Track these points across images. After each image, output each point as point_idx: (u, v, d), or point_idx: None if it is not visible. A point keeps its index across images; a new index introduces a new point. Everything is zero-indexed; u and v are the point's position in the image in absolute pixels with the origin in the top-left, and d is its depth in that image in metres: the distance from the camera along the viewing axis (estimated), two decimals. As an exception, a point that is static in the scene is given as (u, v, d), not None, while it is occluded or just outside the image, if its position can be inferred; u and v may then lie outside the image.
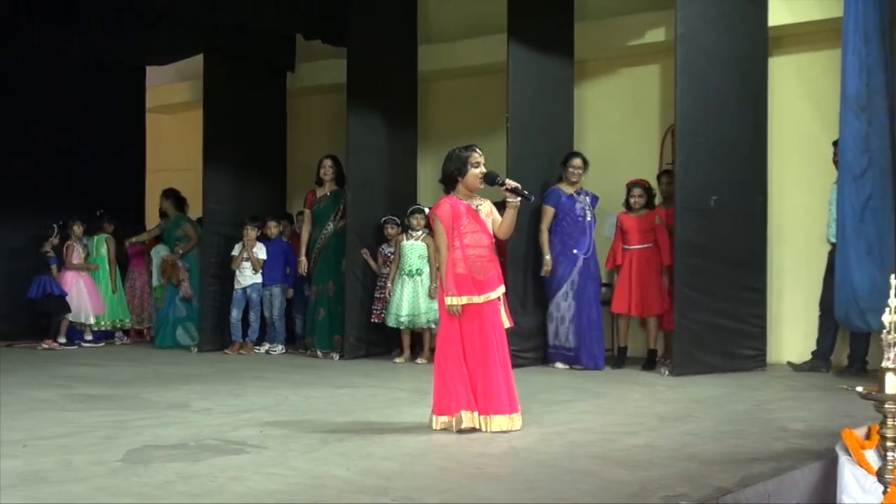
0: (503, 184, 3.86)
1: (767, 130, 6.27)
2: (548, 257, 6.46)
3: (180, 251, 8.05)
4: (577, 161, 6.54)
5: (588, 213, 6.50)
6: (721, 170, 6.07)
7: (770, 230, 6.38)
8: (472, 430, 3.85)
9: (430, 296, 6.81)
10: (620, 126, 7.38)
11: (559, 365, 6.45)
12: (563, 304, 6.47)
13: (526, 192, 3.82)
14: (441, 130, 8.10)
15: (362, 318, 7.24)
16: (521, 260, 6.48)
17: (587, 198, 6.57)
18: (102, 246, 8.16)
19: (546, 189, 6.52)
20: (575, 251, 6.49)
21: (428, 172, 7.86)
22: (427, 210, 6.80)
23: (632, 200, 6.57)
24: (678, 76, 5.83)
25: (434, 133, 8.12)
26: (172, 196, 8.20)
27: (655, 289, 6.45)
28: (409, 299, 6.89)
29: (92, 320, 8.00)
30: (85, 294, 7.91)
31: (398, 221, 7.27)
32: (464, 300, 3.88)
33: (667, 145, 7.12)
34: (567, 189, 6.55)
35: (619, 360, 6.52)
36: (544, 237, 6.48)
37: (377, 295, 7.28)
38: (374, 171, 7.35)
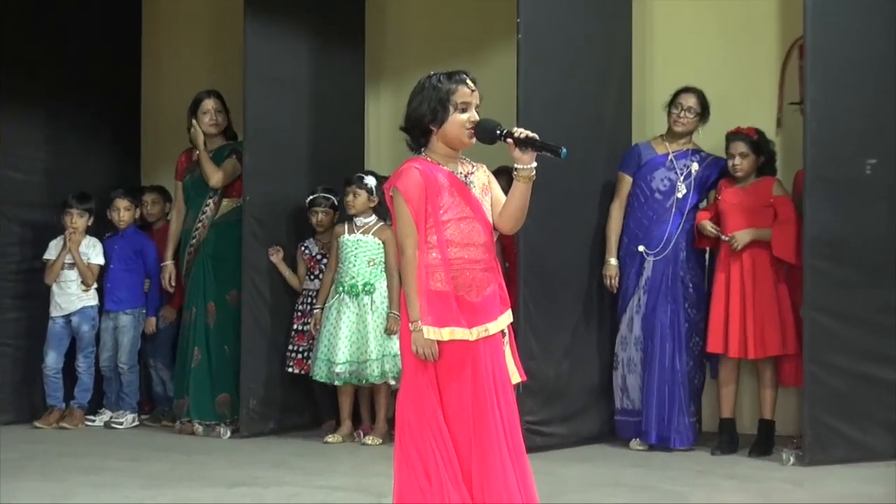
0: (509, 135, 3.89)
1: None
2: (612, 261, 6.79)
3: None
4: (688, 99, 6.81)
5: (680, 186, 6.78)
6: (882, 116, 6.18)
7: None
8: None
9: (388, 329, 6.89)
10: (714, 41, 7.50)
11: (636, 444, 6.72)
12: (629, 338, 6.80)
13: (551, 144, 3.86)
14: (405, 53, 8.22)
15: (270, 365, 7.33)
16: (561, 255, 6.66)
17: (693, 162, 6.82)
18: None
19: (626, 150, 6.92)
20: (640, 248, 6.76)
21: (382, 120, 7.95)
22: (379, 181, 6.91)
23: (732, 162, 6.70)
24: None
25: (393, 57, 8.24)
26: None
27: (773, 312, 6.57)
28: (352, 335, 6.95)
29: None
30: None
31: (333, 201, 7.34)
32: (444, 335, 3.92)
33: (792, 71, 7.26)
34: (659, 146, 6.88)
35: (722, 438, 6.68)
36: (612, 224, 6.83)
37: (297, 327, 7.36)
38: (288, 117, 7.44)
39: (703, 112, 6.83)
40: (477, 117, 3.94)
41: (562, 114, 6.53)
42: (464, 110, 3.94)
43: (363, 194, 6.98)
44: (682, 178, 6.78)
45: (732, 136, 6.72)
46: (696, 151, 6.86)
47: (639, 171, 6.84)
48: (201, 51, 8.94)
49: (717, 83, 7.19)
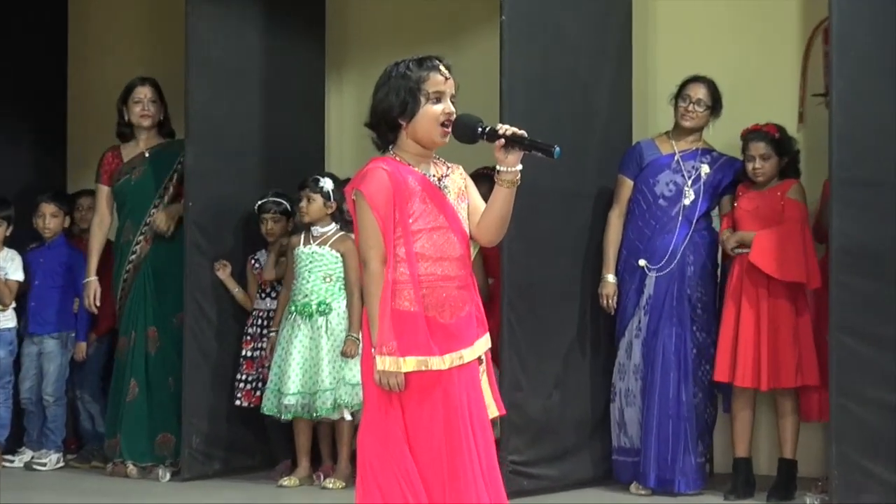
0: (493, 133, 3.92)
1: None
2: (609, 277, 6.81)
3: None
4: (697, 90, 6.80)
5: (688, 191, 6.78)
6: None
7: None
8: None
9: (346, 353, 6.89)
10: (726, 23, 7.52)
11: (636, 488, 6.72)
12: (627, 366, 6.80)
13: (541, 142, 3.89)
14: (372, 39, 8.28)
15: (216, 398, 7.33)
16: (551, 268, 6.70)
17: (703, 163, 6.82)
18: None
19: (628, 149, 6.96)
20: (641, 262, 6.76)
21: (346, 114, 8.04)
22: (339, 185, 6.92)
23: (752, 165, 6.68)
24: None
25: (358, 43, 8.33)
26: None
27: (791, 335, 6.58)
28: (304, 362, 6.96)
29: None
30: None
31: (286, 206, 7.34)
32: (411, 363, 3.94)
33: (815, 58, 7.28)
34: (664, 144, 6.88)
35: (736, 481, 6.67)
36: (610, 235, 6.85)
37: (246, 353, 7.38)
38: (237, 111, 7.43)
39: (715, 105, 6.80)
40: (452, 109, 3.98)
41: (550, 105, 6.57)
42: (437, 100, 3.97)
43: (318, 199, 6.95)
44: (689, 182, 6.77)
45: (751, 135, 6.69)
46: (707, 151, 6.85)
47: (641, 174, 6.84)
48: (136, 35, 8.93)
49: (731, 71, 7.16)
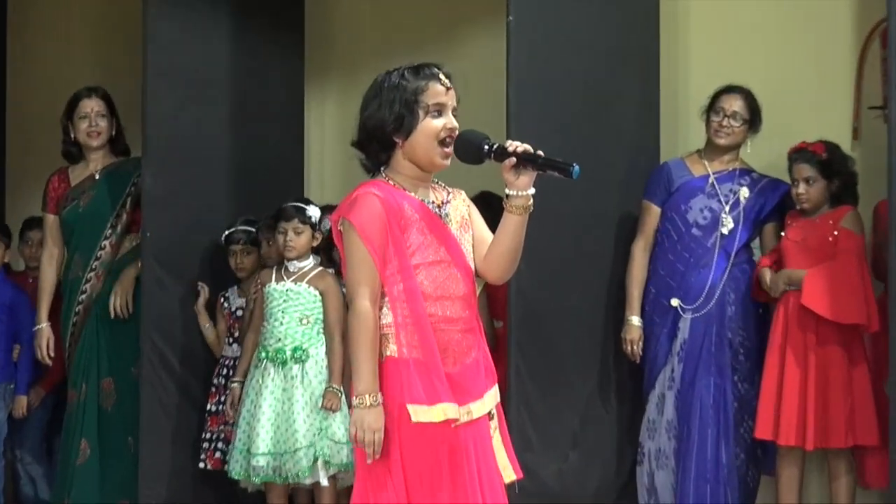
0: (501, 152, 3.94)
1: None
2: (634, 320, 6.78)
3: None
4: (733, 102, 6.76)
5: (726, 219, 6.74)
6: None
7: None
8: None
9: (326, 406, 6.81)
10: (769, 26, 7.49)
11: None
12: (659, 423, 6.75)
13: (558, 160, 3.91)
14: (358, 44, 8.40)
15: (178, 460, 7.26)
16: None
17: (742, 186, 6.77)
18: None
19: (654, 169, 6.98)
20: (674, 302, 6.74)
21: (328, 131, 8.15)
22: (321, 213, 7.00)
23: (796, 191, 6.64)
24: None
25: (343, 50, 8.43)
26: None
27: (843, 387, 6.55)
28: (276, 417, 6.87)
29: None
30: None
31: (255, 236, 7.30)
32: (434, 414, 3.97)
33: (872, 65, 7.25)
34: (696, 165, 6.86)
35: None
36: (635, 270, 6.83)
37: (211, 408, 7.31)
38: (203, 126, 7.40)
39: (753, 118, 6.76)
40: (455, 123, 4.01)
41: (564, 118, 6.55)
42: (438, 114, 4.01)
43: (307, 231, 6.90)
44: (727, 208, 6.75)
45: (796, 156, 6.64)
46: (746, 172, 6.80)
47: (670, 199, 6.80)
48: (85, 39, 9.02)
49: (774, 81, 7.15)
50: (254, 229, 7.27)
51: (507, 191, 3.96)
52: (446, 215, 4.08)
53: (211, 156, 7.47)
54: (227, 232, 7.27)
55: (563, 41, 6.64)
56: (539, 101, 6.49)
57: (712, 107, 6.76)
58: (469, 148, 3.97)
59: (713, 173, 6.78)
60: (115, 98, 7.53)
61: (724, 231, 6.71)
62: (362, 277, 3.95)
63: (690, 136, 7.16)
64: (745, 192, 6.74)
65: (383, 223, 3.96)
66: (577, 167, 3.85)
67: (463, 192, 4.20)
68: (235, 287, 7.32)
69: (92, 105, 7.41)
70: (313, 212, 6.93)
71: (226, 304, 7.31)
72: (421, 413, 3.94)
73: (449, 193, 4.15)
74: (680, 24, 7.48)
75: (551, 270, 6.49)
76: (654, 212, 6.82)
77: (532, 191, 3.92)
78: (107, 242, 7.42)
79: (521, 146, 3.91)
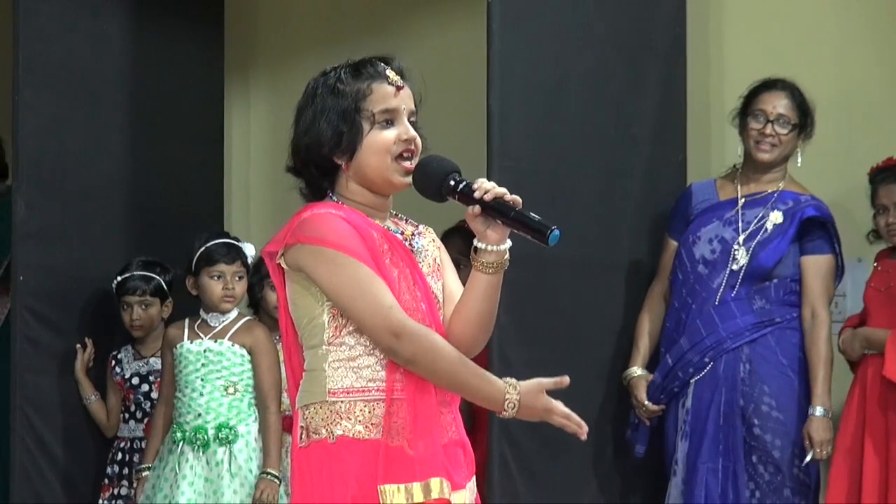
0: (466, 193, 3.73)
1: None
2: (636, 370, 6.36)
3: None
4: (776, 101, 6.24)
5: (738, 250, 6.26)
6: None
7: None
8: None
9: (262, 500, 6.45)
10: (822, 11, 7.22)
11: None
12: None
13: (534, 219, 3.66)
14: (292, 34, 8.28)
15: None
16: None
17: (775, 210, 6.18)
18: None
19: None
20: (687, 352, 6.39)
21: (255, 143, 8.04)
22: (252, 250, 6.73)
23: (884, 220, 6.15)
24: None
25: (272, 41, 8.32)
26: None
27: None
28: None
29: None
30: None
31: (161, 283, 6.80)
32: (416, 494, 3.78)
33: None
34: (726, 187, 6.38)
35: None
36: (642, 318, 6.42)
37: (103, 503, 6.86)
38: (93, 140, 7.00)
39: (804, 121, 6.13)
40: (413, 132, 3.78)
41: (563, 130, 6.25)
42: (388, 123, 3.77)
43: (245, 275, 6.59)
44: (742, 238, 6.18)
45: (882, 176, 6.16)
46: (794, 195, 6.20)
47: (691, 227, 6.33)
48: None
49: (830, 80, 6.86)
50: (154, 275, 6.67)
51: (475, 243, 3.65)
52: (417, 252, 3.81)
53: (102, 178, 6.95)
54: (119, 278, 6.59)
55: (564, 32, 6.24)
56: (529, 107, 6.11)
57: (749, 109, 6.16)
58: (428, 181, 3.69)
59: (744, 196, 6.22)
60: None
61: (735, 268, 6.13)
62: (380, 294, 3.63)
63: (726, 150, 6.74)
64: (776, 218, 6.15)
65: (360, 240, 3.68)
66: (556, 231, 3.56)
67: (432, 231, 3.92)
68: (129, 347, 6.71)
69: None
70: (249, 250, 6.59)
71: (118, 370, 6.69)
72: (396, 495, 3.71)
73: (417, 228, 3.89)
74: (712, 11, 7.13)
75: (545, 327, 6.12)
76: (671, 248, 6.36)
77: (507, 245, 3.63)
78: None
79: (492, 191, 3.57)
